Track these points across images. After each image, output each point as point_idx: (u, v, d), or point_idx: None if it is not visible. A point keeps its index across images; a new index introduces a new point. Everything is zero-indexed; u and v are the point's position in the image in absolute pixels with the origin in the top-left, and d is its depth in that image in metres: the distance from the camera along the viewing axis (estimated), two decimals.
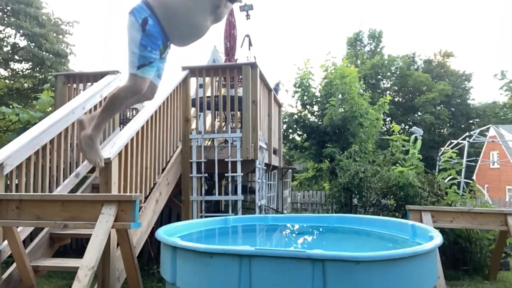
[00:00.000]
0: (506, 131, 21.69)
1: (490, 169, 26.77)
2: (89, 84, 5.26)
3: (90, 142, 2.57)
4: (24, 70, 14.99)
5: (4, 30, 14.44)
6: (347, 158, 7.92)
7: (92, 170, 4.62)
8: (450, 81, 32.22)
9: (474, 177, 24.78)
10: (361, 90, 12.75)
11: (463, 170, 11.14)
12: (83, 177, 4.47)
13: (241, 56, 6.99)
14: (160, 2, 2.30)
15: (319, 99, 11.94)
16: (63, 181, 4.03)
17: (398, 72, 32.63)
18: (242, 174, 4.87)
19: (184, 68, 5.09)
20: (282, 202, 8.65)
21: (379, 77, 32.30)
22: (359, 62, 31.77)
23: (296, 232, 4.24)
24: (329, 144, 10.14)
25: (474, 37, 67.09)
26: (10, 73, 15.17)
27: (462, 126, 31.67)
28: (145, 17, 2.27)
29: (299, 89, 11.98)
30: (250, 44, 6.95)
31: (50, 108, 6.31)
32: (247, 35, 7.01)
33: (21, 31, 13.68)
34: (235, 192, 5.00)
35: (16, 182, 3.45)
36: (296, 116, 11.81)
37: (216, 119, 5.36)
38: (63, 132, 3.97)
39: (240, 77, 5.12)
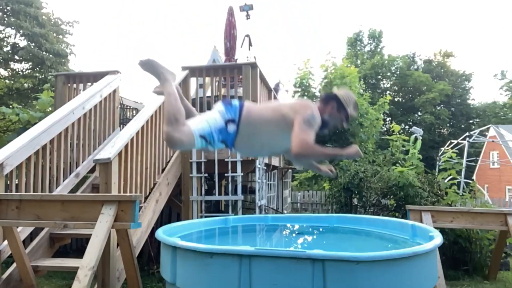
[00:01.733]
0: (506, 131, 21.69)
1: (490, 169, 26.75)
2: (89, 84, 5.26)
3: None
4: (24, 70, 14.98)
5: (4, 30, 14.44)
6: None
7: (92, 170, 4.62)
8: (450, 81, 32.21)
9: (474, 177, 24.77)
10: (361, 90, 12.75)
11: (463, 170, 11.14)
12: (83, 177, 4.47)
13: (241, 56, 6.99)
14: (250, 123, 2.39)
15: (319, 99, 11.94)
16: (63, 181, 4.04)
17: (398, 72, 32.62)
18: (242, 174, 4.87)
19: (184, 68, 5.09)
20: (282, 202, 8.65)
21: (379, 77, 32.30)
22: (359, 62, 31.77)
23: (296, 232, 4.24)
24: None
25: (474, 37, 67.07)
26: (10, 73, 15.17)
27: (462, 126, 31.66)
28: (232, 119, 2.38)
29: (299, 89, 11.98)
30: (250, 44, 6.95)
31: (50, 108, 6.31)
32: (247, 35, 7.01)
33: (21, 31, 13.67)
34: (235, 192, 5.00)
35: (16, 182, 3.45)
36: None
37: None
38: (63, 132, 3.97)
39: (240, 77, 5.12)
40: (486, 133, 23.70)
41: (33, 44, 13.70)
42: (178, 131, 2.27)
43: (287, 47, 64.21)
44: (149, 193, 4.02)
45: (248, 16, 7.04)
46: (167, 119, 2.34)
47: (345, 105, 2.50)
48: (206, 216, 4.80)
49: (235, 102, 2.45)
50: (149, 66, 2.50)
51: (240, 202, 4.91)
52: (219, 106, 2.44)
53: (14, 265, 3.18)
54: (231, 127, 2.37)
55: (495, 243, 4.78)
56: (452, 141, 15.52)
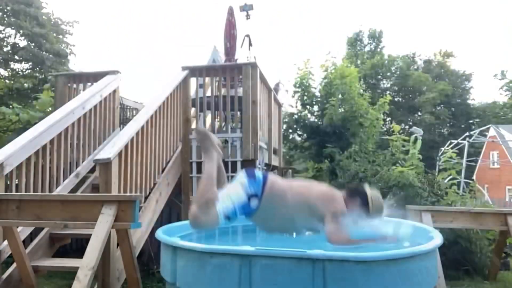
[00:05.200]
0: (506, 131, 21.71)
1: (490, 169, 26.76)
2: (89, 84, 5.26)
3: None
4: (24, 70, 14.97)
5: (4, 30, 14.43)
6: (347, 158, 7.91)
7: (92, 170, 4.62)
8: (450, 81, 32.24)
9: (474, 177, 24.76)
10: (361, 90, 12.75)
11: (463, 170, 11.15)
12: (83, 177, 4.46)
13: (241, 56, 6.98)
14: (272, 201, 2.41)
15: (319, 99, 11.93)
16: (63, 181, 4.03)
17: (398, 72, 32.66)
18: None
19: (184, 68, 5.09)
20: None
21: (379, 77, 32.33)
22: (359, 62, 31.76)
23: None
24: (329, 144, 10.13)
25: (474, 37, 67.03)
26: (10, 73, 15.16)
27: (462, 126, 31.66)
28: (255, 194, 2.40)
29: (299, 89, 11.98)
30: (250, 44, 6.95)
31: (50, 108, 6.31)
32: (247, 35, 7.00)
33: (21, 31, 13.68)
34: None
35: (16, 182, 3.45)
36: (296, 116, 11.81)
37: (216, 119, 5.35)
38: (63, 132, 3.97)
39: (240, 77, 5.12)
40: (486, 133, 23.68)
41: (33, 44, 13.70)
42: (206, 215, 2.33)
43: (287, 47, 64.16)
44: (149, 193, 4.01)
45: (248, 16, 7.03)
46: (199, 202, 2.38)
47: (370, 207, 2.54)
48: None
49: (259, 174, 2.47)
50: (204, 137, 2.56)
51: None
52: (242, 178, 2.46)
53: (14, 265, 3.17)
54: (254, 203, 2.41)
55: (495, 243, 4.78)
56: (452, 141, 15.52)
